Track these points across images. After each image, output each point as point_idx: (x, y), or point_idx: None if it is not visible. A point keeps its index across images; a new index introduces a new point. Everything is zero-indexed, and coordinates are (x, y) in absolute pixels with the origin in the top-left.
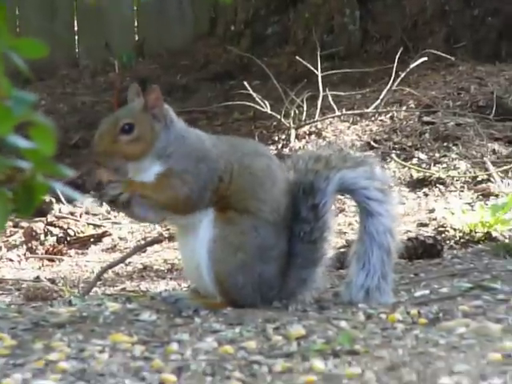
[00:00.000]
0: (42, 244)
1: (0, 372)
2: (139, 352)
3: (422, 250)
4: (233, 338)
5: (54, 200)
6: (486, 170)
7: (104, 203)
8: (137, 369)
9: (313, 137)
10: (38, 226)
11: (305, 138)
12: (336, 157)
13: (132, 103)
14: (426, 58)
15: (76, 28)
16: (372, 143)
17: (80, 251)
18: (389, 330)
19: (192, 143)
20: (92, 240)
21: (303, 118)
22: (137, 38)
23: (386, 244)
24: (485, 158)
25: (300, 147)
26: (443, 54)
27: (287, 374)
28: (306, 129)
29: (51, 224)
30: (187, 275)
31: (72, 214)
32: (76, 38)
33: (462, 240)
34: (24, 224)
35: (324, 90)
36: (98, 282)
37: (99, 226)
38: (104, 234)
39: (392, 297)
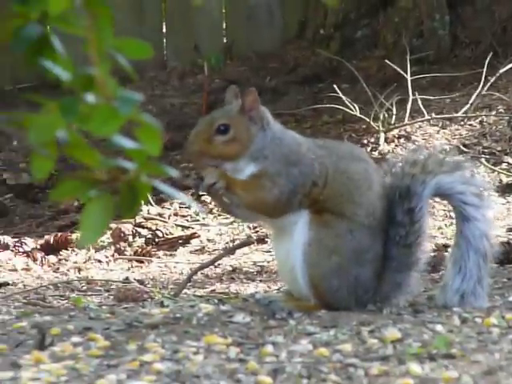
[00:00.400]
0: (130, 245)
1: (94, 373)
2: (234, 354)
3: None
4: (328, 341)
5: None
6: None
7: (195, 203)
8: (232, 371)
9: (402, 140)
10: (127, 227)
11: (394, 141)
12: (432, 161)
13: (229, 105)
14: None
15: (164, 30)
16: (461, 147)
17: (168, 253)
18: (484, 334)
19: (288, 145)
20: (180, 241)
21: (392, 122)
22: (225, 41)
23: (482, 248)
24: None
25: (389, 150)
26: None
27: (383, 377)
28: (395, 132)
29: (139, 225)
30: (281, 277)
31: (160, 215)
32: (164, 40)
33: None
34: (112, 225)
35: (413, 94)
36: (188, 284)
37: (187, 228)
38: (192, 236)
39: (487, 301)
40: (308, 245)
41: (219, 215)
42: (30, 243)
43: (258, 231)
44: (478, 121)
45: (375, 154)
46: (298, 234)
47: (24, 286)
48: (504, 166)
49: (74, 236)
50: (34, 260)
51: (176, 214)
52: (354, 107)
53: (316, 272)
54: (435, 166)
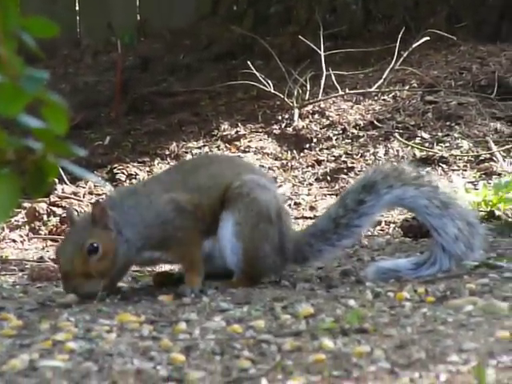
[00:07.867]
0: (44, 224)
1: (6, 353)
2: (147, 331)
3: (427, 229)
4: (241, 317)
5: (56, 180)
6: (489, 148)
7: (107, 182)
8: (145, 348)
9: (316, 116)
10: (41, 206)
11: (308, 117)
12: (406, 172)
13: (81, 222)
14: (427, 38)
15: (77, 8)
16: (375, 122)
17: None
18: (397, 309)
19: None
20: None
21: (306, 98)
22: (139, 18)
23: (455, 253)
24: (487, 137)
25: (303, 126)
26: (445, 34)
27: (296, 353)
28: (309, 108)
29: (54, 204)
30: None
31: (75, 194)
32: (77, 18)
33: None
34: (26, 204)
35: (327, 70)
36: None
37: None
38: None
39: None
40: (236, 224)
41: None
42: None
43: None
44: (391, 96)
45: (289, 130)
46: (222, 223)
47: None
48: (417, 140)
49: None
50: None
51: (91, 193)
52: (268, 83)
53: (250, 245)
54: (408, 177)
